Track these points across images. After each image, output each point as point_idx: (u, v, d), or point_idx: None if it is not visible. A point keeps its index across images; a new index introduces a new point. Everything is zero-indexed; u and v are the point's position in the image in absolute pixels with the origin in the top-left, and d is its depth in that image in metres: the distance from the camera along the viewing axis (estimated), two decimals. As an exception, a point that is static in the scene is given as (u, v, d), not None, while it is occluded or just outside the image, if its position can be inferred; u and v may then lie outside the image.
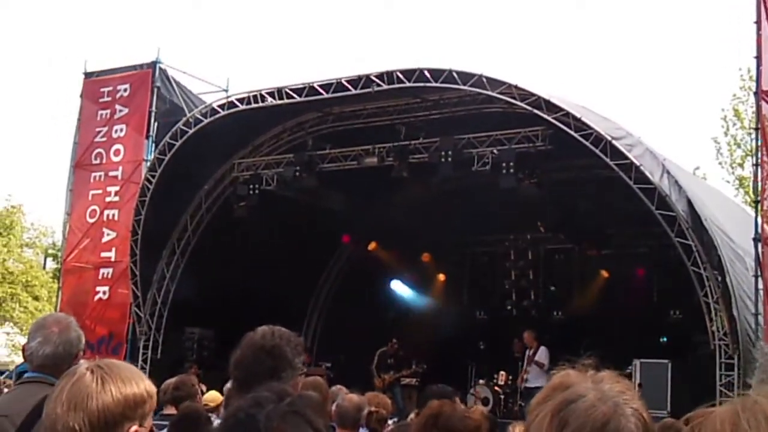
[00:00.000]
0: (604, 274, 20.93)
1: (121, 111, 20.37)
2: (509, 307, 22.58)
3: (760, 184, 14.20)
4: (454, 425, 3.65)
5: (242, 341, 3.66)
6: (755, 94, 14.19)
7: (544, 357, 17.39)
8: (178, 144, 18.11)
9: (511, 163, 16.12)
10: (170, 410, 7.49)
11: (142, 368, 19.11)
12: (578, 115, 14.84)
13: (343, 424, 6.10)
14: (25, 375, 4.19)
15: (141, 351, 19.49)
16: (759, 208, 14.20)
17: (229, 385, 10.56)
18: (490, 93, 15.54)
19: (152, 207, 18.55)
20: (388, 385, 18.79)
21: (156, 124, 20.10)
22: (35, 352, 4.05)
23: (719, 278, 14.44)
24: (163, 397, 7.54)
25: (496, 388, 18.87)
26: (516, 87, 15.25)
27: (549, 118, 15.11)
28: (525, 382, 17.64)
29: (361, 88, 16.36)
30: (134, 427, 2.51)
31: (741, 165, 32.37)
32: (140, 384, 2.53)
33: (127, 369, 2.58)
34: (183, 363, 19.51)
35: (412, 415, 5.91)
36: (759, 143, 14.21)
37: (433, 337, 21.25)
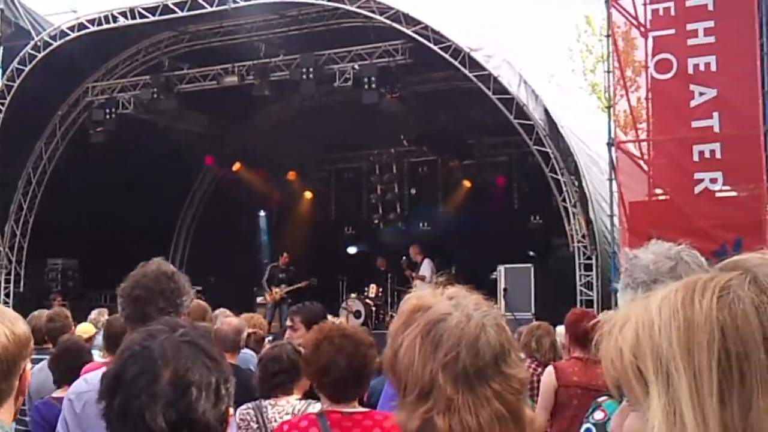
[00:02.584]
0: (467, 183, 21.37)
1: (-37, 36, 19.25)
2: (376, 221, 22.87)
3: (611, 90, 14.66)
4: (345, 347, 3.71)
5: (135, 271, 3.56)
6: (606, 1, 14.54)
7: (425, 269, 17.71)
8: (27, 69, 17.37)
9: (373, 78, 16.20)
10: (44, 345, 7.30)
11: (5, 302, 18.57)
12: (437, 28, 14.95)
13: (224, 347, 6.12)
14: None
15: (2, 284, 18.94)
16: (611, 113, 14.70)
17: (94, 315, 10.45)
18: (348, 7, 15.45)
19: (4, 136, 17.77)
20: (279, 300, 18.74)
21: (1, 48, 19.11)
22: None
23: (576, 183, 15.00)
24: (37, 330, 7.34)
25: (367, 300, 19.18)
26: (374, 0, 15.20)
27: (408, 32, 15.18)
28: None
29: (217, 6, 15.98)
30: (29, 365, 2.56)
31: (593, 71, 33.38)
32: (23, 323, 2.54)
33: (6, 310, 2.57)
34: (48, 295, 19.05)
35: (287, 336, 5.95)
36: (610, 50, 14.63)
37: (303, 254, 21.33)
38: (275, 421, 4.57)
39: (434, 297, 1.95)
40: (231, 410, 1.96)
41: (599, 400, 2.67)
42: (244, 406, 4.70)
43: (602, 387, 5.70)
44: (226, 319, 6.20)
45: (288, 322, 6.00)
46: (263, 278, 19.48)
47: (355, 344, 3.74)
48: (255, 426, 4.66)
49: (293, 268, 19.50)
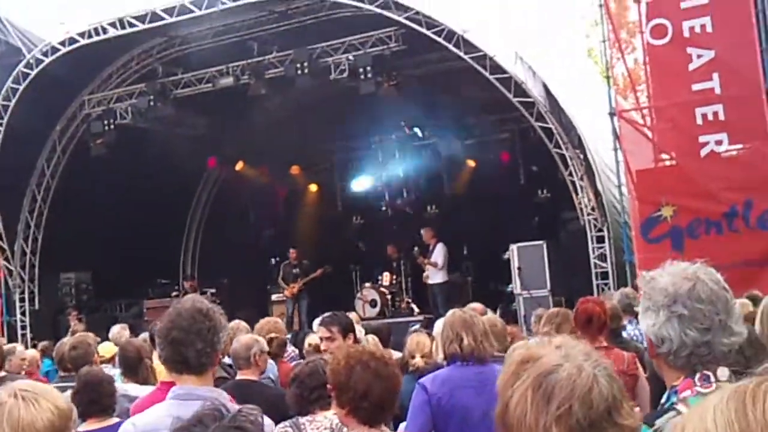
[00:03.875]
0: (471, 163, 21.27)
1: (-46, 58, 19.17)
2: (383, 208, 22.85)
3: (608, 57, 14.53)
4: (381, 371, 3.69)
5: (171, 309, 3.62)
6: (595, -33, 14.41)
7: (438, 255, 17.61)
8: (21, 87, 17.36)
9: (368, 68, 16.12)
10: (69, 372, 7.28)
11: (22, 321, 18.64)
12: (428, 13, 14.85)
13: (238, 365, 6.23)
14: None
15: (18, 305, 18.92)
16: (610, 83, 14.61)
17: (116, 331, 10.45)
18: (333, -2, 15.40)
19: (4, 156, 17.77)
20: (298, 293, 18.74)
21: (-6, 69, 19.07)
22: None
23: (581, 156, 14.93)
24: (61, 359, 7.33)
25: (382, 289, 19.10)
26: (361, -11, 15.12)
27: (399, 19, 15.09)
28: (427, 279, 17.88)
29: (206, 8, 15.89)
30: None
31: (587, 36, 33.11)
32: (61, 397, 2.58)
33: (43, 386, 2.61)
34: (63, 310, 19.12)
35: (323, 346, 5.97)
36: (604, 18, 14.46)
37: (314, 246, 21.33)
38: (315, 438, 4.54)
39: (542, 348, 1.94)
40: None
41: None
42: (281, 425, 4.62)
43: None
44: (240, 337, 6.52)
45: (324, 333, 5.97)
46: (278, 277, 19.37)
47: (387, 366, 3.73)
48: (294, 444, 4.61)
49: (306, 261, 19.43)
